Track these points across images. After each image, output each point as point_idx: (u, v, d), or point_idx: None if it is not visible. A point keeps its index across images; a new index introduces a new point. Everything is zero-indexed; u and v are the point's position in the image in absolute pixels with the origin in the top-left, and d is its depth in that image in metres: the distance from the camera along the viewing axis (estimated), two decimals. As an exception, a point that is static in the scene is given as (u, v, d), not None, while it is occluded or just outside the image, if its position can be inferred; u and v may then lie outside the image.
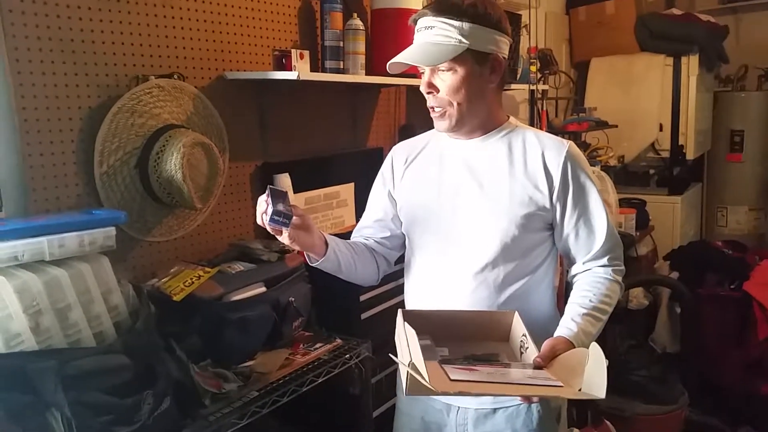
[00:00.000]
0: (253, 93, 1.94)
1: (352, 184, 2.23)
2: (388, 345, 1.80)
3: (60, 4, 1.45)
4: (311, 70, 1.84)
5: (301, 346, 1.64)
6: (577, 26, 4.06)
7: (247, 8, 1.91)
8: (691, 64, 3.74)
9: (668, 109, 3.78)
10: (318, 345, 1.65)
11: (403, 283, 1.48)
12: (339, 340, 1.68)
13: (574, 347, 1.16)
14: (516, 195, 1.29)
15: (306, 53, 1.81)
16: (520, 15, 2.97)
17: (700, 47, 3.73)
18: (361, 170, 2.17)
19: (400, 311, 1.21)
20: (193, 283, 1.47)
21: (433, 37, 1.23)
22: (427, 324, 1.21)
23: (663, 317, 3.33)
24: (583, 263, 1.35)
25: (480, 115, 1.31)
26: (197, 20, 1.76)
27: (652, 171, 3.98)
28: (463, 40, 1.22)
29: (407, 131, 2.53)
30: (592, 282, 1.31)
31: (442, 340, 1.21)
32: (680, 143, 3.81)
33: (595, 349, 1.03)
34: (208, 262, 1.66)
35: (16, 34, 1.38)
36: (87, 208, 1.47)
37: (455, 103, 1.27)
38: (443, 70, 1.25)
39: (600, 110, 3.65)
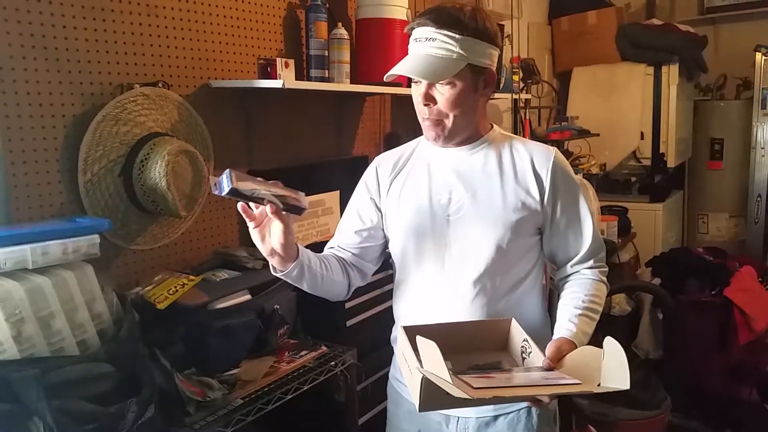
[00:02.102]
0: (238, 101, 1.94)
1: (337, 192, 2.24)
2: (374, 352, 1.82)
3: (44, 12, 1.45)
4: (296, 79, 1.85)
5: (287, 353, 1.63)
6: (559, 36, 4.11)
7: (232, 17, 1.92)
8: (671, 73, 3.79)
9: (649, 118, 3.83)
10: (303, 352, 1.64)
11: (387, 290, 1.48)
12: (324, 348, 1.68)
13: (576, 347, 1.18)
14: (509, 201, 1.30)
15: (291, 62, 1.82)
16: (503, 25, 3.01)
17: (680, 57, 3.79)
18: (346, 178, 2.17)
19: (401, 328, 1.19)
20: (177, 291, 1.47)
21: (435, 50, 1.22)
22: (430, 338, 1.20)
23: (645, 323, 3.36)
24: (571, 266, 1.37)
25: (471, 126, 1.32)
26: (182, 28, 1.77)
27: (633, 179, 4.03)
28: (464, 54, 1.22)
29: (392, 139, 2.55)
30: (582, 284, 1.34)
31: (445, 353, 1.21)
32: (661, 151, 3.86)
33: (610, 343, 1.05)
34: (193, 270, 1.66)
35: (-1, 42, 1.38)
36: (71, 215, 1.46)
37: (451, 116, 1.27)
38: (442, 84, 1.24)
39: (582, 119, 3.69)
